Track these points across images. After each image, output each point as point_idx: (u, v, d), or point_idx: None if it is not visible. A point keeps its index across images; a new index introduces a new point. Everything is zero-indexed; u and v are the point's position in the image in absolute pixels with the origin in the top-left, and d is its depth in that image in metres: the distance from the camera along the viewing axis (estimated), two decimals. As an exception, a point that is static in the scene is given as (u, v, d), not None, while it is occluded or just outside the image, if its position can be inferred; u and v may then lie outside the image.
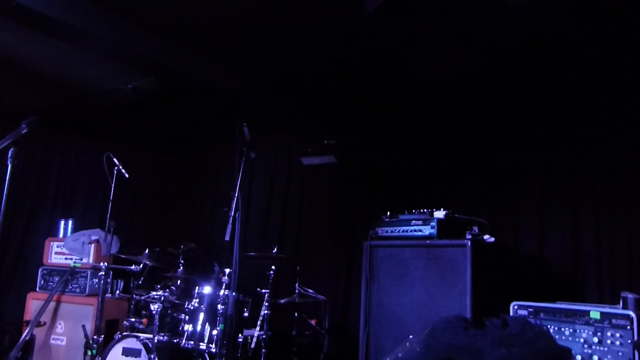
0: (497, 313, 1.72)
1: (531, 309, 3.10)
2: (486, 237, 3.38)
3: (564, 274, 3.87)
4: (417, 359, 1.22)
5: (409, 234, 3.54)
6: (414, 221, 3.54)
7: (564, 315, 2.98)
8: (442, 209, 3.52)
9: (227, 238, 3.12)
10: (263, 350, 3.79)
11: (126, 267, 4.38)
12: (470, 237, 3.29)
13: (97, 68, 4.25)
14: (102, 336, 4.02)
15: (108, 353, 3.87)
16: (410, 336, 1.40)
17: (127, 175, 4.41)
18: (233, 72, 4.21)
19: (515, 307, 3.13)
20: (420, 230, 3.49)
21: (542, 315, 3.04)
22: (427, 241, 3.44)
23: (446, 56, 3.63)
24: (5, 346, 4.91)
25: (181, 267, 4.25)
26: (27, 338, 4.42)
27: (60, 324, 4.92)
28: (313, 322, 4.23)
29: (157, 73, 4.23)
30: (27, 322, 4.77)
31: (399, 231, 3.60)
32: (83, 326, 4.03)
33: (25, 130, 2.77)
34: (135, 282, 4.41)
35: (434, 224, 3.44)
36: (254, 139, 3.39)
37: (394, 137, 4.81)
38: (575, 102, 3.95)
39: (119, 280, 5.32)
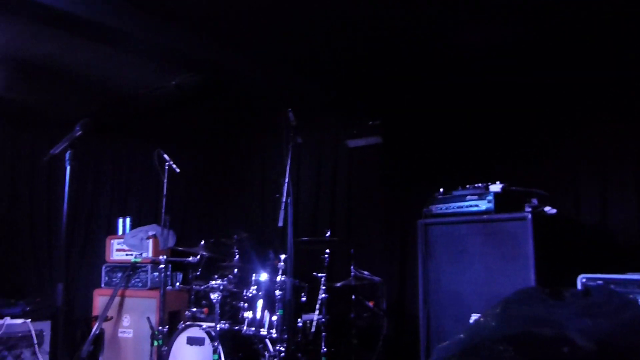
0: (564, 287, 1.62)
1: (600, 282, 2.95)
2: (547, 208, 3.24)
3: (631, 243, 3.68)
4: (491, 334, 1.17)
5: (465, 209, 3.45)
6: (469, 196, 3.44)
7: (637, 286, 2.82)
8: (497, 182, 3.40)
9: (280, 224, 3.12)
10: (323, 333, 3.81)
11: (184, 259, 4.50)
12: (530, 209, 3.16)
13: (139, 69, 4.33)
14: (167, 327, 4.15)
15: (173, 342, 3.99)
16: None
17: (178, 170, 4.50)
18: (274, 60, 4.19)
19: (583, 280, 2.98)
20: (476, 206, 3.39)
21: (612, 287, 2.88)
22: (484, 216, 3.34)
23: (492, 22, 3.47)
24: (78, 341, 5.16)
25: (237, 256, 4.31)
26: (97, 332, 4.63)
27: (126, 317, 5.12)
28: (370, 304, 4.22)
29: (198, 68, 4.27)
30: (96, 317, 5.00)
31: (453, 207, 3.50)
32: (148, 318, 4.17)
33: (79, 132, 2.86)
34: (194, 274, 4.52)
35: (490, 198, 3.33)
36: (299, 124, 3.37)
37: (441, 112, 4.68)
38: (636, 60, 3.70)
39: (178, 273, 5.48)
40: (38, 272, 5.44)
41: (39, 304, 4.89)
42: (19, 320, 4.57)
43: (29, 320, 4.62)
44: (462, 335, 1.25)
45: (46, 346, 4.75)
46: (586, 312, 1.16)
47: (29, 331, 4.58)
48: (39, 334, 4.66)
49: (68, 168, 2.80)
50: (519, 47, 3.78)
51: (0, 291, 4.73)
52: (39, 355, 4.63)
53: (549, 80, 4.08)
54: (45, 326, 4.76)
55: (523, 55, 3.91)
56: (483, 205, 3.36)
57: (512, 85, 4.23)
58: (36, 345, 4.61)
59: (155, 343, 3.96)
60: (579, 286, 3.01)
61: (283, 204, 3.17)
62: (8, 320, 4.48)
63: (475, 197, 3.41)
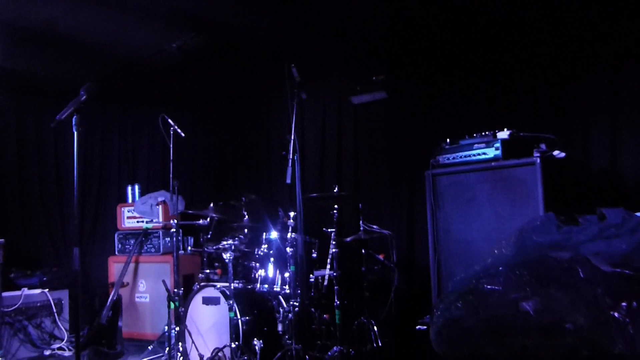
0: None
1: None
2: (556, 152, 3.22)
3: (640, 186, 3.67)
4: (508, 262, 1.18)
5: (472, 158, 3.43)
6: (476, 145, 3.42)
7: (647, 223, 2.83)
8: (505, 129, 3.37)
9: (288, 181, 3.12)
10: (335, 287, 3.86)
11: (194, 222, 4.53)
12: (538, 154, 3.14)
13: (140, 31, 4.27)
14: (182, 289, 4.22)
15: (190, 303, 4.07)
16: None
17: (183, 135, 4.48)
18: (275, 16, 4.11)
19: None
20: (484, 153, 3.37)
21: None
22: (492, 163, 3.33)
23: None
24: (96, 307, 5.28)
25: (246, 217, 4.34)
26: (115, 298, 4.72)
27: (141, 282, 5.22)
28: (381, 257, 4.26)
29: (199, 27, 4.20)
30: (112, 284, 5.10)
31: (461, 157, 3.49)
32: (163, 281, 4.23)
33: (84, 97, 2.83)
34: (205, 236, 4.56)
35: (498, 145, 3.31)
36: (303, 81, 3.33)
37: (444, 61, 4.61)
38: None
39: (189, 237, 5.55)
40: (52, 242, 5.53)
41: (56, 274, 4.98)
42: (37, 291, 4.68)
43: (47, 289, 4.72)
44: (476, 268, 1.26)
45: (65, 314, 4.87)
46: (601, 234, 1.17)
47: (48, 300, 4.69)
48: (58, 303, 4.77)
49: (75, 133, 2.78)
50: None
51: (16, 263, 4.81)
52: (59, 323, 4.75)
53: (555, 22, 3.98)
54: (64, 295, 4.87)
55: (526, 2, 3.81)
56: (491, 152, 3.35)
57: (517, 29, 4.14)
58: (55, 314, 4.73)
59: (172, 305, 4.03)
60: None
61: (290, 161, 3.16)
62: (26, 291, 4.58)
63: (483, 145, 3.39)
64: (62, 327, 4.75)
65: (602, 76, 3.81)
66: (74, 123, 2.80)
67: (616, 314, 1.07)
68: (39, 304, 4.64)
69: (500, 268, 1.12)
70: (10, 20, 3.89)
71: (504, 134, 3.36)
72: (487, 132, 3.45)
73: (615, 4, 3.72)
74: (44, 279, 4.86)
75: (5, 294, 4.29)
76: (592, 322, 1.09)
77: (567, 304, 1.10)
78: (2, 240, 4.13)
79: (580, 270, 1.07)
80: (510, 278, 1.11)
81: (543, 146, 3.30)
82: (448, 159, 3.56)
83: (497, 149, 3.32)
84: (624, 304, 1.05)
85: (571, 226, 1.21)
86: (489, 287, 1.17)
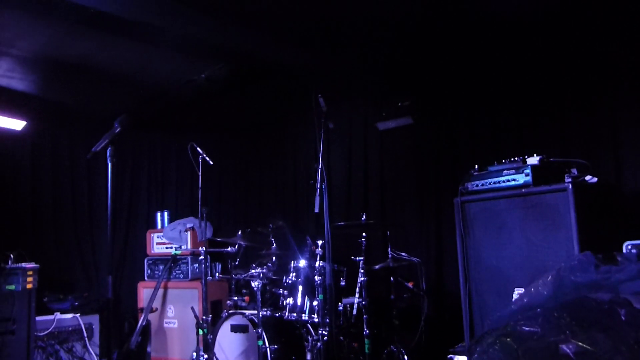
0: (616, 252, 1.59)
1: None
2: (588, 177, 3.15)
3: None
4: (545, 302, 1.16)
5: (502, 184, 3.38)
6: (505, 171, 3.37)
7: (687, 251, 2.73)
8: (535, 155, 3.33)
9: (316, 210, 3.13)
10: (364, 316, 3.83)
11: (222, 249, 4.58)
12: (570, 179, 3.08)
13: (169, 63, 4.41)
14: (210, 316, 4.24)
15: (218, 330, 4.09)
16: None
17: (211, 162, 4.56)
18: (300, 45, 4.19)
19: (629, 247, 2.89)
20: (513, 180, 3.32)
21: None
22: (523, 190, 3.27)
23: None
24: (126, 333, 5.34)
25: (274, 244, 4.37)
26: (144, 323, 4.77)
27: (170, 308, 5.27)
28: (410, 284, 4.21)
29: (226, 58, 4.32)
30: (142, 309, 5.15)
31: (490, 183, 3.45)
32: (192, 308, 4.27)
33: (118, 129, 2.93)
34: (233, 263, 4.60)
35: (528, 171, 3.26)
36: (329, 110, 3.37)
37: (471, 87, 4.60)
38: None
39: (217, 263, 5.60)
40: (84, 268, 5.64)
41: (87, 298, 5.07)
42: (69, 315, 4.76)
43: (78, 314, 4.81)
44: (513, 307, 1.24)
45: (96, 339, 4.93)
46: (641, 275, 1.14)
47: (79, 325, 4.77)
48: (89, 328, 4.84)
49: (110, 165, 2.86)
50: (549, 16, 3.67)
51: (49, 287, 4.92)
52: (90, 348, 4.81)
53: (582, 42, 3.95)
54: (94, 320, 4.94)
55: (554, 24, 3.80)
56: (521, 179, 3.30)
57: (544, 53, 4.12)
58: (86, 339, 4.80)
59: (201, 332, 4.06)
60: (624, 253, 2.94)
61: (318, 190, 3.18)
62: (58, 316, 4.67)
63: (512, 171, 3.34)
64: (92, 352, 4.81)
65: (630, 98, 3.74)
66: (108, 154, 2.89)
67: (660, 359, 1.04)
68: (70, 329, 4.72)
69: (539, 310, 1.10)
70: (48, 54, 4.07)
71: (533, 160, 3.31)
72: (516, 158, 3.40)
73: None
74: (76, 303, 4.95)
75: (38, 318, 4.39)
76: (636, 366, 1.06)
77: (609, 348, 1.07)
78: (37, 265, 4.24)
79: (622, 312, 1.04)
80: (549, 320, 1.09)
81: (574, 171, 3.23)
82: (477, 185, 3.53)
83: (527, 175, 3.27)
84: (668, 347, 1.02)
85: (610, 265, 1.18)
86: (527, 329, 1.14)
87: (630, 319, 1.03)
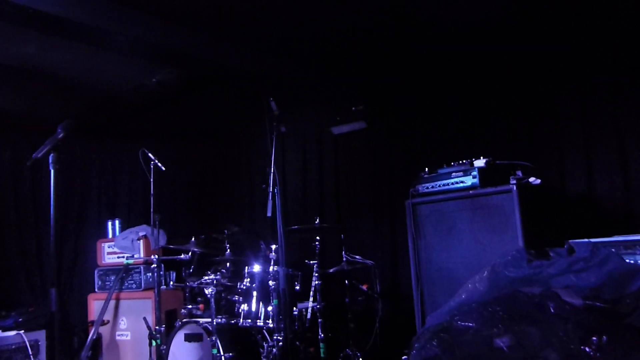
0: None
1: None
2: (532, 179, 3.29)
3: (616, 209, 3.74)
4: (481, 298, 1.19)
5: (451, 187, 3.48)
6: (454, 173, 3.48)
7: (623, 247, 2.87)
8: (481, 158, 3.44)
9: (269, 214, 3.13)
10: (319, 320, 3.83)
11: (176, 257, 4.48)
12: (515, 181, 3.20)
13: (120, 67, 4.28)
14: (164, 326, 4.14)
15: (172, 340, 3.99)
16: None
17: (163, 169, 4.47)
18: (253, 49, 4.17)
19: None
20: (462, 182, 3.43)
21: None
22: (470, 191, 3.38)
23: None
24: (75, 347, 5.13)
25: (228, 250, 4.31)
26: (94, 337, 4.60)
27: (122, 320, 5.11)
28: (364, 287, 4.25)
29: (178, 62, 4.23)
30: (92, 322, 4.97)
31: (439, 185, 3.54)
32: (144, 318, 4.16)
33: (61, 135, 2.82)
34: (187, 271, 4.51)
35: (475, 173, 3.37)
36: (282, 114, 3.37)
37: (422, 92, 4.71)
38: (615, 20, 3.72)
39: (171, 272, 5.47)
40: (28, 281, 5.38)
41: (32, 314, 4.84)
42: (12, 332, 4.53)
43: (22, 331, 4.58)
44: (451, 303, 1.27)
45: (42, 356, 4.71)
46: (570, 268, 1.19)
47: (24, 342, 4.54)
48: (34, 344, 4.62)
49: (52, 172, 2.75)
50: (493, 23, 3.79)
51: (-9, 304, 4.68)
52: (36, 366, 4.60)
53: (527, 50, 4.10)
54: (40, 335, 4.72)
55: (501, 27, 3.92)
56: (468, 181, 3.40)
57: (490, 60, 4.25)
58: (31, 356, 4.58)
59: (154, 343, 3.95)
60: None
61: (270, 194, 3.17)
62: (0, 333, 4.44)
63: (460, 173, 3.45)
64: (38, 370, 4.60)
65: (574, 102, 3.92)
66: (50, 161, 2.78)
67: (587, 349, 1.08)
68: (14, 347, 4.49)
69: (474, 304, 1.13)
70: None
71: (480, 162, 3.42)
72: (464, 161, 3.51)
73: (583, 32, 3.85)
74: (20, 319, 4.71)
75: (-21, 337, 4.17)
76: (565, 357, 1.10)
77: (540, 340, 1.11)
78: (-23, 281, 4.03)
79: (551, 306, 1.09)
80: (484, 315, 1.12)
81: (519, 173, 3.36)
82: (427, 187, 3.61)
83: (474, 177, 3.38)
84: (594, 338, 1.06)
85: (542, 260, 1.23)
86: (462, 324, 1.17)
87: (559, 311, 1.08)
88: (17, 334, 4.53)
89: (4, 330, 4.51)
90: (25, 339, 4.54)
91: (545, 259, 1.25)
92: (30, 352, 4.55)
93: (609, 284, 1.12)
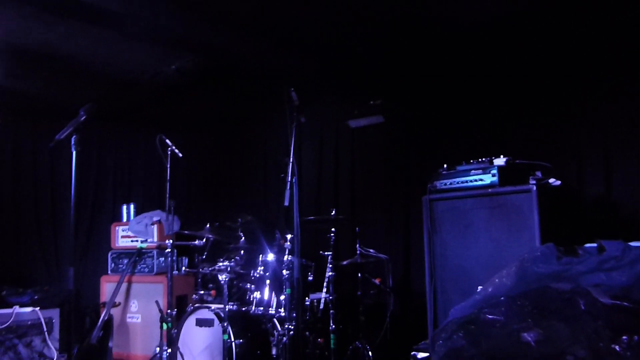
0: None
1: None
2: (551, 180, 3.26)
3: (636, 212, 3.69)
4: (508, 292, 1.18)
5: (469, 184, 3.46)
6: (473, 171, 3.45)
7: (642, 252, 2.85)
8: (501, 156, 3.41)
9: (286, 203, 3.13)
10: (331, 311, 3.84)
11: (190, 242, 4.51)
12: (534, 181, 3.17)
13: (139, 54, 4.30)
14: (175, 310, 4.18)
15: (183, 324, 4.03)
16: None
17: (180, 155, 4.49)
18: (272, 40, 4.16)
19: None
20: (480, 180, 3.40)
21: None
22: (489, 190, 3.35)
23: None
24: (87, 328, 5.20)
25: (242, 238, 4.34)
26: (106, 318, 4.66)
27: (133, 302, 5.17)
28: (377, 281, 4.25)
29: (198, 51, 4.25)
30: (104, 304, 5.04)
31: (458, 182, 3.52)
32: (157, 302, 4.19)
33: (84, 117, 2.86)
34: (200, 257, 4.54)
35: (494, 171, 3.34)
36: (301, 104, 3.36)
37: (442, 87, 4.67)
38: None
39: (184, 257, 5.52)
40: (45, 260, 5.47)
41: (47, 292, 4.92)
42: (28, 309, 4.61)
43: (38, 308, 4.66)
44: (476, 296, 1.27)
45: (56, 333, 4.78)
46: (600, 266, 1.18)
47: (39, 319, 4.61)
48: (48, 322, 4.69)
49: (74, 153, 2.79)
50: (516, 20, 3.75)
51: (8, 280, 4.75)
52: (49, 343, 4.67)
53: (550, 50, 4.06)
54: (54, 314, 4.79)
55: (524, 26, 3.89)
56: (487, 179, 3.38)
57: (514, 57, 4.22)
58: (46, 333, 4.66)
59: (165, 326, 3.99)
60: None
61: (288, 184, 3.17)
62: (17, 309, 4.51)
63: (480, 171, 3.42)
64: (52, 347, 4.67)
65: (594, 105, 3.87)
66: (72, 143, 2.81)
67: (617, 347, 1.08)
68: (29, 323, 4.57)
69: (502, 298, 1.13)
70: (9, 41, 3.92)
71: (500, 161, 3.40)
72: (483, 159, 3.48)
73: (606, 36, 3.81)
74: (35, 297, 4.79)
75: (-4, 312, 4.24)
76: (593, 354, 1.09)
77: (568, 336, 1.10)
78: (-5, 258, 4.10)
79: (581, 302, 1.08)
80: (512, 308, 1.11)
81: (539, 173, 3.33)
82: (445, 184, 3.59)
83: (493, 175, 3.35)
84: (624, 337, 1.06)
85: (571, 257, 1.22)
86: (490, 317, 1.17)
87: (590, 308, 1.07)
88: (32, 310, 4.60)
89: (21, 306, 4.59)
90: (41, 316, 4.62)
91: (574, 256, 1.24)
92: (45, 329, 4.62)
93: (638, 284, 1.11)
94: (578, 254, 1.24)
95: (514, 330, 1.14)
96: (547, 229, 3.11)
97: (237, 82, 5.06)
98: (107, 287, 5.28)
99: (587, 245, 2.74)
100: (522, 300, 1.11)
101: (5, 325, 4.36)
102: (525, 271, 1.21)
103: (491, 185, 3.36)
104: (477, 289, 3.28)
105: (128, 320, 5.16)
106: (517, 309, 1.11)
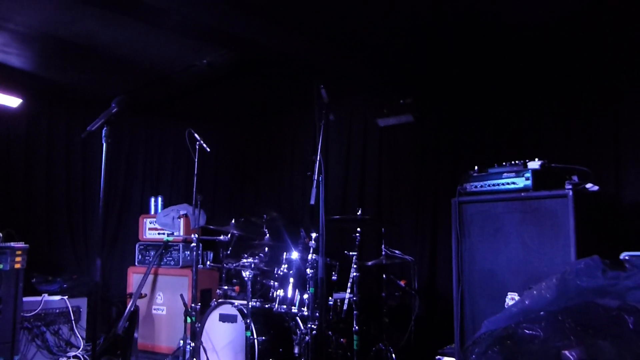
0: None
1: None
2: (589, 185, 3.13)
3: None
4: (548, 306, 1.12)
5: (501, 187, 3.35)
6: (505, 174, 3.34)
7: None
8: (536, 159, 3.29)
9: (312, 202, 3.08)
10: (354, 312, 3.80)
11: (215, 237, 4.52)
12: (570, 186, 3.05)
13: (172, 47, 4.33)
14: (199, 304, 4.20)
15: (207, 319, 4.04)
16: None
17: (208, 149, 4.50)
18: (305, 35, 4.13)
19: (626, 257, 2.87)
20: (513, 183, 3.29)
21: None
22: (522, 194, 3.24)
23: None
24: (113, 317, 5.29)
25: (267, 235, 4.32)
26: (132, 309, 4.71)
27: (159, 294, 5.22)
28: (402, 283, 4.18)
29: (230, 45, 4.25)
30: (130, 295, 5.10)
31: (489, 185, 3.41)
32: (181, 295, 4.22)
33: (115, 109, 2.87)
34: (225, 252, 4.55)
35: (528, 175, 3.23)
36: (331, 102, 3.31)
37: (474, 88, 4.56)
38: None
39: (209, 252, 5.55)
40: (74, 250, 5.58)
41: (76, 281, 5.01)
42: (57, 297, 4.70)
43: (66, 296, 4.75)
44: (512, 308, 1.20)
45: (83, 322, 4.88)
46: (650, 283, 1.10)
47: (67, 307, 4.71)
48: (76, 310, 4.79)
49: (105, 145, 2.81)
50: (555, 21, 3.62)
51: (38, 268, 4.85)
52: (77, 331, 4.76)
53: (588, 51, 3.91)
54: (82, 303, 4.89)
55: (560, 29, 3.76)
56: (520, 182, 3.27)
57: (549, 58, 4.08)
58: (73, 322, 4.75)
59: (189, 320, 4.01)
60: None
61: (315, 182, 3.12)
62: (46, 297, 4.61)
63: (513, 174, 3.31)
64: (78, 335, 4.77)
65: (634, 109, 3.71)
66: (104, 134, 2.83)
67: (667, 370, 1.01)
68: (57, 311, 4.67)
69: (542, 312, 1.06)
70: (47, 31, 3.99)
71: (534, 164, 3.28)
72: (516, 162, 3.36)
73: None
74: (64, 286, 4.89)
75: (25, 298, 4.33)
76: (641, 377, 1.03)
77: (614, 356, 1.04)
78: (27, 245, 4.18)
79: (630, 321, 1.01)
80: (553, 324, 1.05)
81: (575, 178, 3.20)
82: (476, 187, 3.49)
83: (527, 179, 3.24)
84: (676, 359, 0.99)
85: (618, 271, 1.15)
86: (528, 332, 1.11)
87: (639, 327, 1.00)
88: (61, 299, 4.70)
89: (49, 294, 4.68)
90: (69, 305, 4.71)
91: (621, 270, 1.17)
92: (72, 318, 4.71)
93: (690, 302, 1.03)
94: (625, 268, 1.17)
95: (553, 348, 1.08)
96: (583, 236, 2.99)
97: (267, 77, 5.05)
98: (134, 278, 5.36)
99: (628, 255, 2.64)
100: (564, 315, 1.04)
101: (34, 312, 4.46)
102: (567, 284, 1.14)
103: (524, 189, 3.24)
104: (507, 294, 3.22)
105: (154, 311, 5.22)
106: (558, 325, 1.04)
